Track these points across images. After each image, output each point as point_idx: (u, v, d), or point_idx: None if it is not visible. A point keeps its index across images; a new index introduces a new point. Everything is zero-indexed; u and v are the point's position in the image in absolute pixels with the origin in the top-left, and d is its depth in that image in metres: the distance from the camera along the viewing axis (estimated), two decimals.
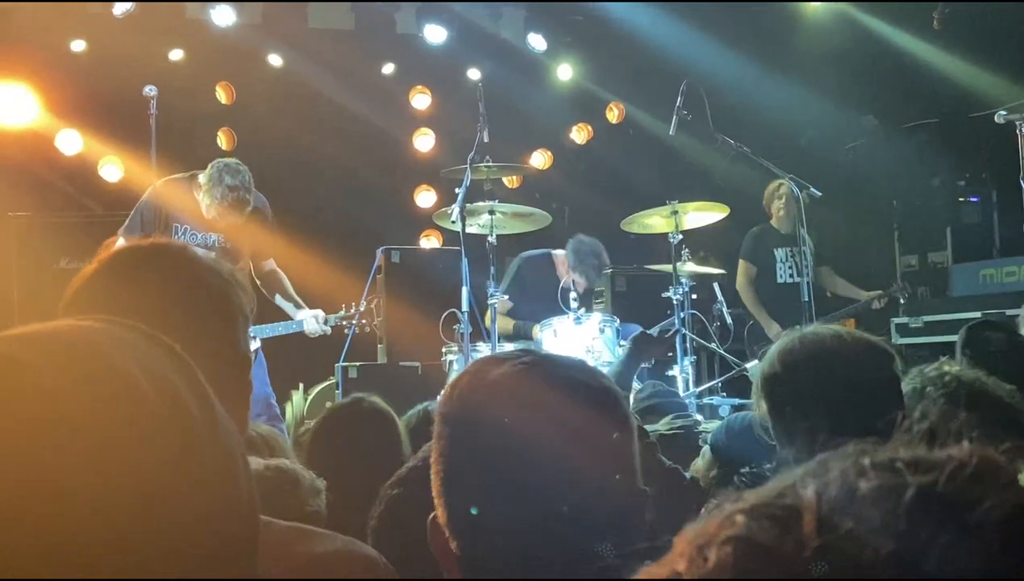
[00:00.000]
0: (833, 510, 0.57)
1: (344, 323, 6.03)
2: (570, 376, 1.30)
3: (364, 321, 6.07)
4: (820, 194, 6.76)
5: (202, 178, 5.51)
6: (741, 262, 7.41)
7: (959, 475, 0.57)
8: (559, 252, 6.95)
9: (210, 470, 0.83)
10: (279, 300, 5.96)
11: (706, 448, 3.30)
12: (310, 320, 5.85)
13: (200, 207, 5.51)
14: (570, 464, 1.21)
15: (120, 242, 5.48)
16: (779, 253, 7.30)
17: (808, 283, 6.62)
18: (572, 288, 6.49)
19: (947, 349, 3.56)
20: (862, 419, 1.97)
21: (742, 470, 2.77)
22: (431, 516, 1.29)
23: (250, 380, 1.62)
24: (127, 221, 5.62)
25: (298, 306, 5.94)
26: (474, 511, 1.22)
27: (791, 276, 7.23)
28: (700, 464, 3.24)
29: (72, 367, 0.81)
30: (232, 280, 1.62)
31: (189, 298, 1.53)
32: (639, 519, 1.27)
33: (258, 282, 5.91)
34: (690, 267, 6.62)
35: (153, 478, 0.78)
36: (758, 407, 2.36)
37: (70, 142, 8.02)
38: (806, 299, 6.37)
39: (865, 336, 2.38)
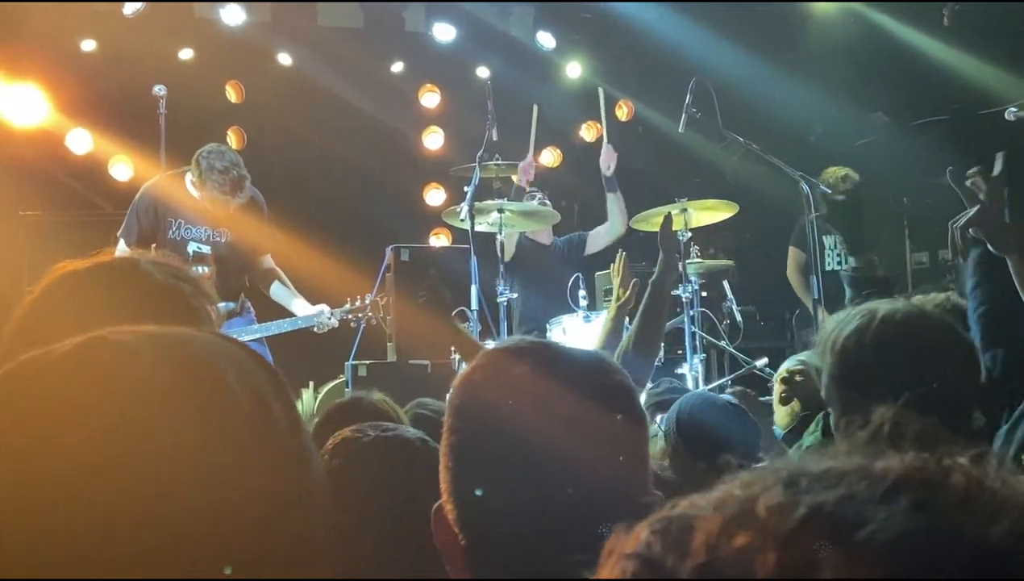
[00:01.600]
0: (725, 526, 0.57)
1: (351, 317, 5.98)
2: (585, 371, 1.28)
3: (371, 314, 6.03)
4: (829, 192, 6.75)
5: (191, 175, 5.49)
6: (790, 249, 7.40)
7: (866, 492, 0.56)
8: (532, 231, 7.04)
9: (290, 472, 0.87)
10: (279, 297, 5.88)
11: (659, 434, 3.17)
12: (319, 315, 5.82)
13: (195, 202, 5.50)
14: (581, 457, 1.20)
15: (120, 246, 5.50)
16: (828, 240, 7.23)
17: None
18: (581, 286, 6.49)
19: None
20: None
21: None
22: (435, 507, 1.28)
23: None
24: (123, 225, 5.61)
25: (300, 302, 5.90)
26: (478, 492, 1.21)
27: (839, 263, 7.17)
28: (655, 451, 3.10)
29: (183, 372, 0.85)
30: (193, 299, 1.57)
31: (138, 320, 1.51)
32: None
33: (257, 280, 5.87)
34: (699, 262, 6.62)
35: (236, 480, 0.81)
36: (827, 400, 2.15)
37: (80, 141, 8.04)
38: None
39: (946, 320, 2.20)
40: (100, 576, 0.75)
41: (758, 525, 0.56)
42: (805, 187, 6.09)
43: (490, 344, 6.11)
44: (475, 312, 5.84)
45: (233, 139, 8.99)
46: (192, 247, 5.53)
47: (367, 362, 6.69)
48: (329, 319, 5.84)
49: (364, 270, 7.18)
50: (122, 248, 5.48)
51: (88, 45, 8.17)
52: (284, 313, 5.94)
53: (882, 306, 2.12)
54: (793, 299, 7.84)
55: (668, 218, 4.35)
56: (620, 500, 1.21)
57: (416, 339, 6.90)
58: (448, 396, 1.32)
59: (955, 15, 8.02)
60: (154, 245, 5.47)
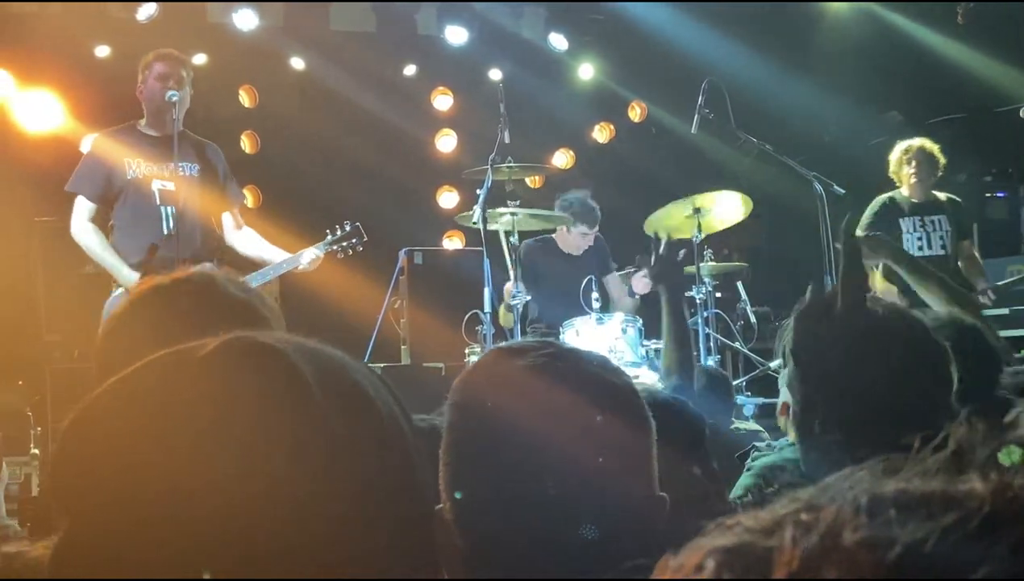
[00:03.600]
0: (809, 562, 0.52)
1: (336, 249, 5.79)
2: (584, 371, 1.27)
3: (354, 240, 5.81)
4: (843, 192, 6.72)
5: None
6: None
7: (960, 528, 0.52)
8: (556, 233, 6.96)
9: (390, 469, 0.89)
10: (253, 248, 5.60)
11: None
12: (305, 254, 5.65)
13: (151, 140, 5.41)
14: (578, 456, 1.19)
15: (79, 202, 5.33)
16: (905, 223, 6.75)
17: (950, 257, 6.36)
18: (594, 288, 6.48)
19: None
20: (889, 431, 1.77)
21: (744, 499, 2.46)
22: (437, 510, 1.28)
23: None
24: (72, 179, 5.41)
25: (277, 251, 5.64)
26: (458, 494, 1.21)
27: (920, 249, 6.70)
28: None
29: (327, 376, 0.88)
30: (261, 310, 1.62)
31: (219, 332, 1.53)
32: (653, 524, 1.25)
33: (227, 235, 5.65)
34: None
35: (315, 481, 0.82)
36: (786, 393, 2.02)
37: (88, 144, 8.07)
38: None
39: (920, 320, 1.95)
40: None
41: (847, 561, 0.52)
42: (818, 187, 6.07)
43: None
44: (488, 314, 5.84)
45: (247, 143, 9.03)
46: (156, 185, 5.32)
47: (381, 365, 6.70)
48: (315, 254, 5.65)
49: (378, 273, 7.20)
50: (82, 203, 5.34)
51: (102, 51, 8.21)
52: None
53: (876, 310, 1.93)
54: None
55: (670, 244, 3.59)
56: (619, 500, 1.20)
57: (430, 342, 6.92)
58: (449, 394, 1.31)
59: (969, 14, 7.99)
60: (114, 192, 5.33)
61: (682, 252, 3.62)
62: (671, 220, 6.55)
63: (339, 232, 5.74)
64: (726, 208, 6.58)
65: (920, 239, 6.76)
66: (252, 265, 5.59)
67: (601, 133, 10.12)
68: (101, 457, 0.81)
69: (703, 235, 6.36)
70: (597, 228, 6.88)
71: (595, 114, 10.04)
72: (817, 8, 8.86)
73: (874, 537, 0.52)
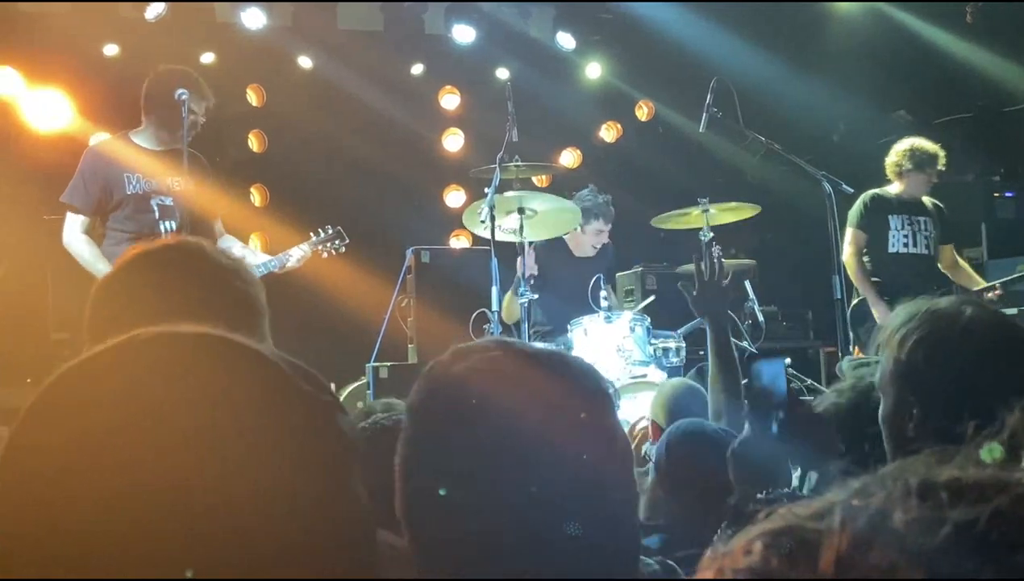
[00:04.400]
0: (858, 543, 0.53)
1: (321, 248, 5.88)
2: (546, 368, 1.25)
3: (336, 241, 5.92)
4: (852, 190, 6.71)
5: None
6: (848, 230, 6.80)
7: (1011, 510, 0.52)
8: (569, 233, 6.95)
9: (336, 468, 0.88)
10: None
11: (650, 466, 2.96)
12: (294, 252, 5.73)
13: (147, 155, 5.42)
14: (541, 448, 1.16)
15: (71, 217, 5.37)
16: (894, 220, 6.82)
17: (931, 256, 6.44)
18: (603, 287, 6.48)
19: None
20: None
21: (758, 496, 2.48)
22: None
23: None
24: (68, 189, 5.41)
25: (261, 255, 5.79)
26: (442, 492, 1.17)
27: (905, 245, 6.80)
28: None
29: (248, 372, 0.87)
30: (247, 274, 1.62)
31: (211, 296, 1.53)
32: (630, 519, 1.24)
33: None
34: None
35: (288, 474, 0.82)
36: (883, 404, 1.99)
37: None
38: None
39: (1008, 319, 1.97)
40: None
41: (897, 541, 0.52)
42: (827, 186, 6.06)
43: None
44: (496, 313, 5.84)
45: (254, 142, 9.05)
46: (156, 201, 5.36)
47: (388, 364, 6.70)
48: (303, 252, 5.72)
49: (385, 272, 7.20)
50: (72, 220, 5.35)
51: (111, 50, 8.23)
52: None
53: (965, 310, 1.92)
54: (815, 298, 7.76)
55: (713, 266, 3.22)
56: (586, 498, 1.18)
57: (437, 340, 6.91)
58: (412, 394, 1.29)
59: (978, 12, 7.97)
60: (111, 205, 5.34)
61: (728, 276, 3.25)
62: (681, 218, 6.55)
63: (321, 234, 5.88)
64: (734, 209, 6.59)
65: (907, 237, 6.83)
66: None
67: (608, 132, 10.12)
68: (55, 446, 0.79)
69: (711, 234, 6.35)
70: (611, 224, 6.89)
71: (602, 113, 10.03)
72: (825, 7, 8.85)
73: (924, 518, 0.52)
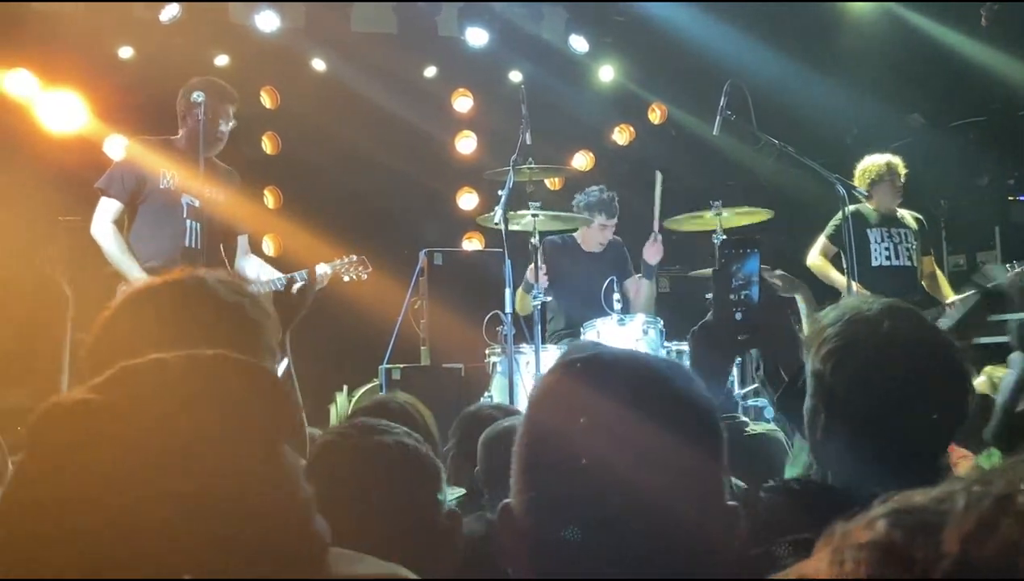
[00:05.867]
0: (984, 523, 0.54)
1: (341, 270, 5.93)
2: (659, 383, 1.26)
3: (361, 269, 5.99)
4: (866, 194, 6.70)
5: (196, 97, 5.46)
6: (821, 238, 6.95)
7: None
8: (579, 232, 6.96)
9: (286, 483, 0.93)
10: (257, 272, 5.76)
11: None
12: (318, 269, 5.77)
13: (184, 159, 5.50)
14: (654, 485, 1.18)
15: (104, 203, 5.43)
16: (872, 234, 6.90)
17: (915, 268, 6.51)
18: (616, 289, 6.47)
19: (999, 350, 3.49)
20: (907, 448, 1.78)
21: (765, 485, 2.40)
22: (501, 505, 1.28)
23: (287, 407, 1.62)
24: (105, 178, 5.49)
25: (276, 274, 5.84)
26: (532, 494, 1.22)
27: (888, 258, 6.90)
28: None
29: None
30: (254, 312, 1.62)
31: (209, 337, 1.54)
32: (728, 538, 1.24)
33: (238, 263, 5.76)
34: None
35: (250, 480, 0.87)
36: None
37: (117, 147, 8.12)
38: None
39: (929, 324, 1.95)
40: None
41: (1021, 520, 0.53)
42: (841, 189, 6.05)
43: (525, 348, 6.12)
44: (508, 315, 5.84)
45: (268, 144, 9.07)
46: (186, 199, 5.45)
47: (401, 366, 6.71)
48: (326, 270, 5.78)
49: (398, 274, 7.21)
50: (108, 203, 5.42)
51: (125, 52, 8.26)
52: None
53: (884, 323, 1.89)
54: (829, 301, 7.74)
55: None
56: (695, 520, 1.19)
57: (450, 342, 6.92)
58: (527, 408, 1.32)
59: (993, 15, 7.94)
60: (142, 197, 5.43)
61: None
62: (693, 219, 6.55)
63: (345, 259, 5.94)
64: (747, 217, 6.59)
65: (888, 250, 6.90)
66: None
67: (621, 135, 10.12)
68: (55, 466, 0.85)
69: (724, 237, 6.34)
70: (616, 219, 6.89)
71: (615, 116, 10.03)
72: (839, 9, 8.83)
73: None
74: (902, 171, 6.93)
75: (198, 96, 5.40)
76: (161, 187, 5.45)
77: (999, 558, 0.52)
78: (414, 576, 1.51)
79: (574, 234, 6.98)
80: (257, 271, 5.76)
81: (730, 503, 1.26)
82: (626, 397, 1.22)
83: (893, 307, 1.92)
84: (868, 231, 6.92)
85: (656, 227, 6.83)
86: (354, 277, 5.98)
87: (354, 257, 5.97)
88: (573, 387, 1.27)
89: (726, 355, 2.21)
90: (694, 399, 1.27)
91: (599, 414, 1.21)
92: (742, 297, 2.21)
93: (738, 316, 2.19)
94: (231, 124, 5.64)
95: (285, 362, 5.40)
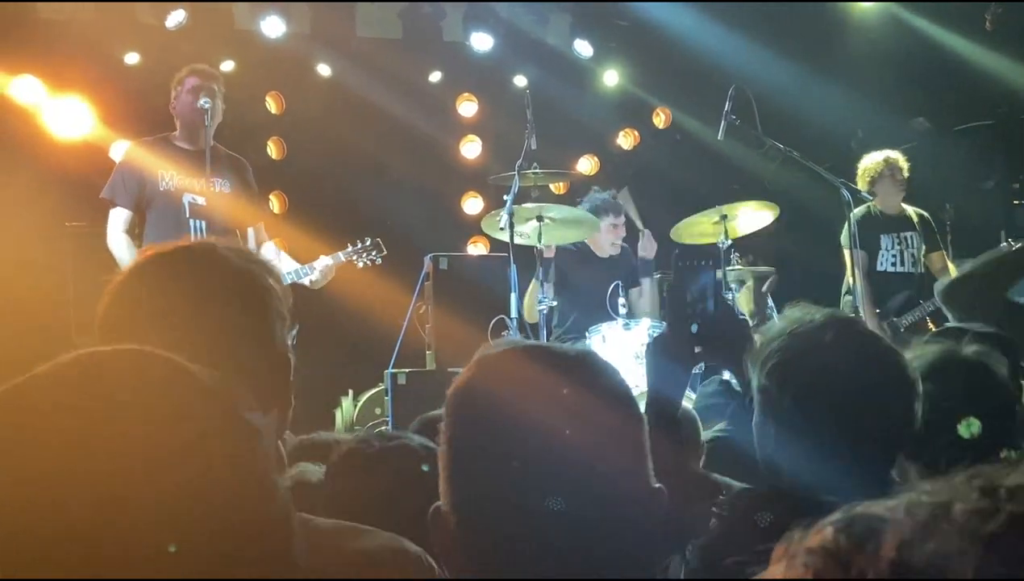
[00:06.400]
0: (920, 529, 0.57)
1: (355, 258, 5.90)
2: (573, 370, 1.28)
3: (374, 252, 5.95)
4: (871, 198, 6.70)
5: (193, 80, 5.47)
6: (850, 251, 6.50)
7: None
8: (590, 238, 6.96)
9: (255, 476, 0.92)
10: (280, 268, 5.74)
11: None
12: (320, 261, 5.73)
13: (186, 154, 5.48)
14: (567, 457, 1.20)
15: (114, 213, 5.45)
16: (884, 239, 6.85)
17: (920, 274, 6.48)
18: (621, 294, 6.48)
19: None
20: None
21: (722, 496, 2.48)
22: (432, 508, 1.29)
23: (290, 381, 1.62)
24: (108, 185, 5.52)
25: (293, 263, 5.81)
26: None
27: (893, 265, 6.88)
28: None
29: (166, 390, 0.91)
30: (264, 279, 1.62)
31: (219, 303, 1.54)
32: (652, 519, 1.26)
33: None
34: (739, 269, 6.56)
35: (210, 478, 0.86)
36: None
37: (119, 152, 8.15)
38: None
39: (878, 340, 1.95)
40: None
41: (955, 528, 0.57)
42: (846, 193, 6.05)
43: None
44: (514, 320, 5.85)
45: (274, 149, 9.09)
46: (187, 198, 5.43)
47: (406, 370, 6.71)
48: (328, 262, 5.74)
49: (403, 279, 7.21)
50: (117, 213, 5.44)
51: (131, 58, 8.28)
52: None
53: (826, 335, 1.90)
54: (835, 306, 7.73)
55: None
56: (618, 496, 1.21)
57: (455, 347, 6.92)
58: (445, 398, 1.32)
59: (997, 18, 7.93)
60: (146, 202, 5.43)
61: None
62: (697, 227, 6.54)
63: (359, 244, 5.85)
64: (752, 214, 6.57)
65: (895, 256, 6.90)
66: None
67: (626, 139, 10.12)
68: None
69: (730, 241, 6.34)
70: (623, 216, 6.90)
71: (620, 120, 10.03)
72: (844, 13, 8.83)
73: (982, 508, 0.57)
74: (903, 165, 6.89)
75: (205, 103, 5.41)
76: (161, 189, 5.43)
77: (932, 564, 0.56)
78: (417, 548, 1.52)
79: (586, 241, 6.96)
80: (276, 257, 5.73)
81: (655, 485, 1.28)
82: (542, 385, 1.24)
83: (835, 317, 1.94)
84: (881, 236, 6.87)
85: (640, 226, 6.85)
86: (368, 262, 5.94)
87: (367, 240, 5.92)
88: (489, 379, 1.28)
89: (684, 367, 2.26)
90: (609, 384, 1.29)
91: (516, 403, 1.23)
92: (697, 310, 2.29)
93: (694, 328, 2.25)
94: (217, 103, 5.54)
95: (295, 329, 5.38)
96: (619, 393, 1.30)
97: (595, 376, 1.29)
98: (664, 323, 6.41)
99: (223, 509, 0.85)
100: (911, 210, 7.03)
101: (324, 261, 5.72)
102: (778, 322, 1.99)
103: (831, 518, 0.62)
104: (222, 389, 0.94)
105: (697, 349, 2.26)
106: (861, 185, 6.74)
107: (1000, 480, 0.60)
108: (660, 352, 2.27)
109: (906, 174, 6.89)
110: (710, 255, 2.04)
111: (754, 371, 1.96)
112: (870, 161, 6.90)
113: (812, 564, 0.60)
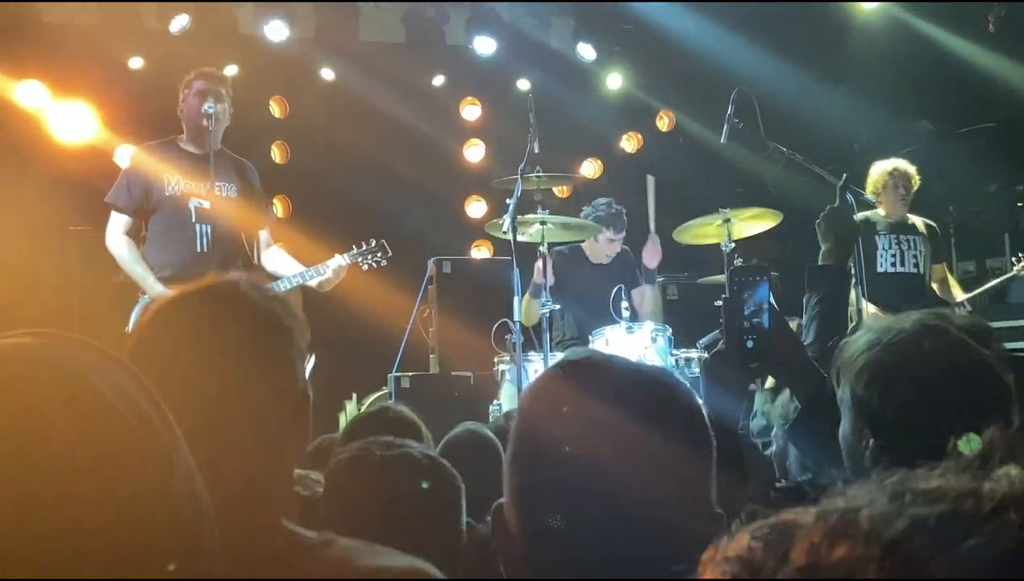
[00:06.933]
0: (829, 534, 0.60)
1: (360, 260, 5.88)
2: (646, 389, 1.29)
3: (379, 254, 5.93)
4: (874, 201, 6.69)
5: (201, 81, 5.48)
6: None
7: (969, 508, 0.58)
8: (585, 242, 6.96)
9: (176, 481, 0.93)
10: (283, 267, 5.70)
11: None
12: (332, 262, 5.70)
13: (193, 157, 5.48)
14: (637, 476, 1.21)
15: (115, 217, 5.46)
16: (881, 240, 6.92)
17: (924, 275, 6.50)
18: (624, 297, 6.47)
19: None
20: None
21: (778, 484, 2.52)
22: (494, 506, 1.30)
23: (309, 415, 1.64)
24: (112, 190, 5.51)
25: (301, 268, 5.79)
26: (555, 523, 1.22)
27: (893, 265, 6.91)
28: None
29: (58, 386, 0.92)
30: (286, 318, 1.64)
31: (243, 344, 1.56)
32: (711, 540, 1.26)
33: (260, 259, 5.72)
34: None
35: (121, 485, 0.88)
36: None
37: (125, 157, 8.16)
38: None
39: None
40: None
41: (860, 534, 0.59)
42: (849, 197, 6.04)
43: (533, 356, 6.12)
44: (517, 323, 5.85)
45: (277, 153, 9.10)
46: (193, 203, 5.41)
47: (410, 374, 6.72)
48: (341, 262, 5.71)
49: (406, 282, 7.22)
50: (115, 219, 5.45)
51: (135, 63, 8.30)
52: None
53: (924, 342, 1.87)
54: None
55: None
56: (678, 521, 1.22)
57: (459, 350, 6.93)
58: (517, 405, 1.35)
59: (1000, 21, 7.93)
60: (150, 207, 5.42)
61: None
62: (701, 228, 6.54)
63: (364, 246, 5.82)
64: (755, 217, 6.58)
65: (894, 256, 6.91)
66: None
67: (629, 143, 10.12)
68: None
69: (733, 244, 6.34)
70: (624, 233, 6.89)
71: (623, 124, 10.04)
72: (847, 16, 8.83)
73: (885, 514, 0.60)
74: (912, 176, 6.90)
75: (209, 108, 5.40)
76: (167, 194, 5.43)
77: (837, 569, 0.58)
78: (438, 572, 1.52)
79: (581, 245, 6.97)
80: (280, 264, 5.71)
81: (716, 510, 1.28)
82: (615, 396, 1.25)
83: (926, 326, 1.90)
84: (876, 237, 6.92)
85: (652, 229, 6.84)
86: (372, 264, 5.91)
87: (372, 242, 5.92)
88: (565, 386, 1.29)
89: (740, 382, 2.26)
90: (683, 403, 1.30)
91: (588, 411, 1.24)
92: (753, 324, 2.28)
93: (749, 344, 2.24)
94: (223, 106, 5.53)
95: (312, 360, 5.40)
96: (693, 415, 1.30)
97: (672, 396, 1.29)
98: (667, 326, 6.42)
99: (107, 511, 0.87)
100: (918, 220, 7.05)
101: (338, 260, 5.70)
102: (864, 333, 1.94)
103: (751, 526, 0.65)
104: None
105: (753, 364, 2.27)
106: (869, 191, 6.78)
107: (913, 483, 0.62)
108: (717, 369, 2.28)
109: (915, 185, 6.88)
110: (763, 271, 2.01)
111: (843, 382, 1.92)
112: (877, 170, 6.93)
113: (729, 571, 0.63)
